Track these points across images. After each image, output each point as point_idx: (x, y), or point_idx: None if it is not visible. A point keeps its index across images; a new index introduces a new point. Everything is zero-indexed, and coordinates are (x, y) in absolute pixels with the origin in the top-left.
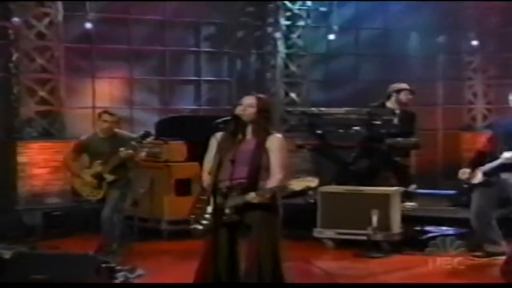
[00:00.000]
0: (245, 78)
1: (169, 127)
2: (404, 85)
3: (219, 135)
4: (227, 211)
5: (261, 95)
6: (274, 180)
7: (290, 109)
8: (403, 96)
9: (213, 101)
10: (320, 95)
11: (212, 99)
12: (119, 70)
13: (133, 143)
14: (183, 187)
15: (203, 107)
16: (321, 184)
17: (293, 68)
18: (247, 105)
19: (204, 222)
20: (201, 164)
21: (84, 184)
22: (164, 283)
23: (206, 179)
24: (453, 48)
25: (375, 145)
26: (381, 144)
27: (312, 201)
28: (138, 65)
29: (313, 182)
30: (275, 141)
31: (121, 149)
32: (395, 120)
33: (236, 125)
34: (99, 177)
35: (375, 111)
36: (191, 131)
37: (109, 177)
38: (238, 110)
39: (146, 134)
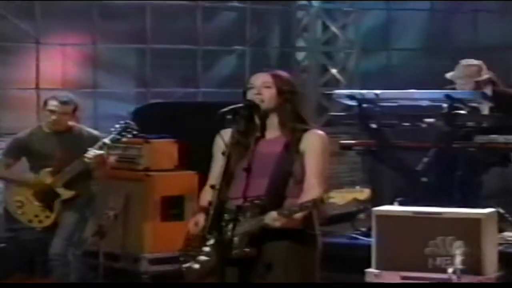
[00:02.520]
0: (264, 45)
1: (152, 119)
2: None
3: (226, 132)
4: (236, 241)
5: (279, 71)
6: (309, 196)
7: (330, 91)
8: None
9: (216, 80)
10: (376, 71)
11: (216, 77)
12: (75, 34)
13: (106, 140)
14: (172, 208)
15: (202, 89)
16: (377, 202)
17: (334, 29)
18: (261, 85)
19: (203, 258)
20: (199, 173)
21: (25, 204)
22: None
23: (207, 194)
24: None
25: (459, 146)
26: (468, 144)
27: (363, 229)
28: (105, 26)
29: (362, 193)
30: (313, 140)
31: (91, 150)
32: (487, 107)
33: (251, 116)
34: (47, 193)
35: (459, 94)
36: (184, 124)
37: (63, 194)
38: (251, 95)
39: (127, 127)
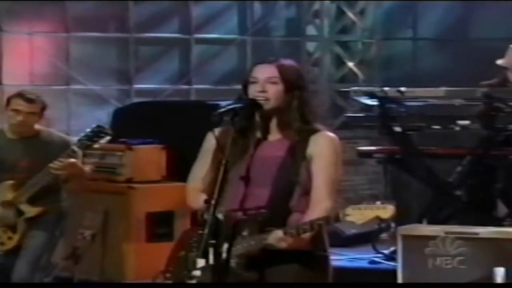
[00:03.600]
0: (268, 34)
1: (135, 121)
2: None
3: (220, 132)
4: (233, 263)
5: (286, 61)
6: (317, 209)
7: (346, 88)
8: None
9: (212, 75)
10: (401, 65)
11: (211, 71)
12: (45, 20)
13: (74, 147)
14: (159, 226)
15: (194, 86)
16: (402, 220)
17: (351, 15)
18: (266, 80)
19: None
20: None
21: None
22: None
23: (196, 202)
24: None
25: (499, 153)
26: (509, 151)
27: (387, 251)
28: (80, 11)
29: (385, 210)
30: (322, 143)
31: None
32: None
33: (251, 117)
34: (9, 210)
35: (498, 92)
36: (173, 128)
37: (28, 211)
38: (254, 92)
39: (99, 131)
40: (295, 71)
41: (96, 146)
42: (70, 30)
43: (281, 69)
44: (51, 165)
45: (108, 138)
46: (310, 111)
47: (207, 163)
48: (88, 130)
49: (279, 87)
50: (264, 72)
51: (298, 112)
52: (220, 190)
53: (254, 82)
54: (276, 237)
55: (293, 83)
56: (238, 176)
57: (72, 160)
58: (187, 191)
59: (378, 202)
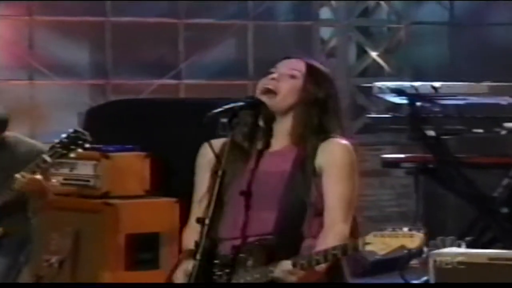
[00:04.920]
0: (273, 17)
1: (113, 123)
2: None
3: (217, 143)
4: None
5: (314, 60)
6: (331, 235)
7: (368, 83)
8: None
9: (205, 68)
10: (435, 55)
11: (205, 63)
12: (5, 2)
13: (46, 157)
14: (142, 250)
15: (184, 80)
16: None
17: None
18: (286, 72)
19: None
20: (180, 201)
21: None
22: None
23: (193, 232)
24: None
25: None
26: None
27: (417, 281)
28: None
29: (413, 238)
30: (332, 152)
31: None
32: None
33: (255, 119)
34: None
35: None
36: (159, 131)
37: None
38: (262, 84)
39: (77, 138)
40: (324, 73)
41: (72, 155)
42: (33, 12)
43: (309, 65)
44: (15, 178)
45: (87, 145)
46: (332, 122)
47: (206, 182)
48: (63, 135)
49: (297, 83)
50: (288, 64)
51: (317, 121)
52: (215, 206)
53: (271, 73)
54: (285, 270)
55: (317, 84)
56: (238, 194)
57: (35, 176)
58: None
59: (405, 229)
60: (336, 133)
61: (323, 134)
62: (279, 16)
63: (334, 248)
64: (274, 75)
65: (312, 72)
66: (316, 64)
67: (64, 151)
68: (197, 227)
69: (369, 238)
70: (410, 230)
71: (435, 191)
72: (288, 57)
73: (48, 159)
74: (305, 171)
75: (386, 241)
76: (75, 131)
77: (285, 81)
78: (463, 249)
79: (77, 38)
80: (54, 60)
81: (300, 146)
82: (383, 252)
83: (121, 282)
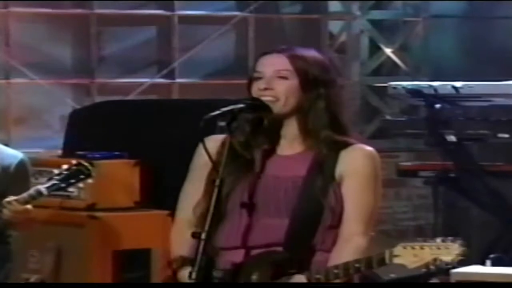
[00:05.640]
0: (276, 10)
1: (98, 127)
2: None
3: (213, 141)
4: None
5: (302, 50)
6: (348, 247)
7: (382, 83)
8: None
9: (202, 66)
10: (457, 52)
11: (201, 60)
12: None
13: (43, 189)
14: (132, 268)
15: (178, 80)
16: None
17: None
18: (273, 75)
19: None
20: (173, 213)
21: None
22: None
23: (181, 243)
24: None
25: None
26: None
27: None
28: None
29: (449, 250)
30: (357, 160)
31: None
32: None
33: (258, 121)
34: None
35: None
36: (149, 135)
37: None
38: (257, 90)
39: (78, 171)
40: (316, 62)
41: (71, 189)
42: (9, 4)
43: (294, 60)
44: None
45: (89, 181)
46: (341, 116)
47: (199, 188)
48: (65, 167)
49: (292, 83)
50: (271, 64)
51: (326, 115)
52: (212, 219)
53: (258, 78)
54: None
55: (314, 78)
56: (241, 202)
57: (27, 208)
58: (173, 227)
59: (439, 239)
60: (350, 127)
61: (341, 135)
62: (284, 8)
63: (357, 261)
64: (263, 84)
65: (301, 65)
66: (299, 52)
67: (63, 185)
68: (185, 227)
69: (397, 250)
70: (443, 240)
71: (456, 203)
72: (266, 53)
73: (44, 192)
74: (322, 178)
75: (418, 253)
76: (78, 164)
77: (278, 84)
78: (488, 268)
79: (59, 33)
80: (33, 57)
81: (316, 149)
82: (414, 266)
83: None
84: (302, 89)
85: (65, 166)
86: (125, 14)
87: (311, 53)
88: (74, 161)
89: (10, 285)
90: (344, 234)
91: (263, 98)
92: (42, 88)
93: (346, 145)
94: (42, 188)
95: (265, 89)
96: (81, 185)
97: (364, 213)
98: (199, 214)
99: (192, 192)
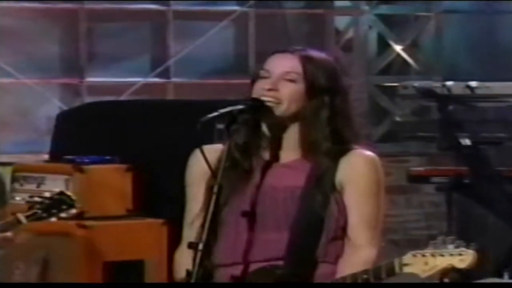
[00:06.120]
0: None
1: (88, 130)
2: None
3: (211, 150)
4: None
5: (315, 52)
6: (355, 258)
7: (392, 82)
8: None
9: (198, 64)
10: (472, 49)
11: (197, 58)
12: None
13: (22, 218)
14: (124, 281)
15: (173, 79)
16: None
17: None
18: (280, 76)
19: None
20: (169, 222)
21: None
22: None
23: (184, 258)
24: None
25: None
26: None
27: None
28: None
29: (464, 257)
30: (357, 166)
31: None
32: None
33: (257, 125)
34: None
35: None
36: (142, 139)
37: None
38: (260, 89)
39: (61, 201)
40: (327, 67)
41: (53, 219)
42: None
43: (306, 63)
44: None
45: (73, 211)
46: (346, 126)
47: (199, 200)
48: (47, 195)
49: (298, 87)
50: (282, 65)
51: (329, 126)
52: (210, 228)
53: (264, 77)
54: None
55: (321, 85)
56: (239, 213)
57: (7, 235)
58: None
59: (451, 246)
60: (353, 139)
61: (341, 143)
62: (286, 2)
63: (365, 271)
64: (268, 84)
65: (311, 70)
66: (313, 54)
67: (44, 215)
68: (190, 252)
69: (407, 258)
70: (457, 246)
71: (471, 211)
72: (278, 51)
73: (23, 221)
74: (322, 187)
75: (429, 261)
76: (61, 193)
77: (283, 86)
78: (506, 280)
79: (46, 29)
80: (18, 55)
81: (315, 158)
82: (426, 275)
83: None
84: (307, 95)
85: (47, 194)
86: (117, 9)
87: (322, 57)
88: (57, 190)
89: (10, 285)
90: (351, 245)
91: (265, 99)
92: (27, 88)
93: (345, 151)
94: (21, 216)
95: (270, 89)
96: (67, 190)
97: (369, 221)
98: (197, 228)
99: (192, 210)
